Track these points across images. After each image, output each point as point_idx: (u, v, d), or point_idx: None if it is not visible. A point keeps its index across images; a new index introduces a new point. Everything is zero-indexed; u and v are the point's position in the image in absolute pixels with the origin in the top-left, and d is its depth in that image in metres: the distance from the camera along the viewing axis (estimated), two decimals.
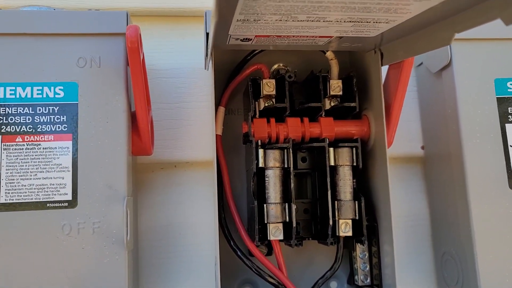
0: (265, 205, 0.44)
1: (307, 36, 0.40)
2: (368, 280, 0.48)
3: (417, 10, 0.31)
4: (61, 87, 0.41)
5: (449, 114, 0.48)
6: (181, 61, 0.53)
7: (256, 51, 0.50)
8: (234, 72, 0.51)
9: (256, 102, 0.47)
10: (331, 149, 0.46)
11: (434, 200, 0.53)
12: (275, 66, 0.51)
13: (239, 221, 0.46)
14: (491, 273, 0.44)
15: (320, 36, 0.40)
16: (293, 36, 0.39)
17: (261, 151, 0.45)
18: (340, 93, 0.47)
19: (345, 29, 0.37)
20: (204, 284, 0.50)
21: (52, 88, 0.41)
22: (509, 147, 0.46)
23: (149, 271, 0.49)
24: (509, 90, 0.47)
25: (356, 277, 0.48)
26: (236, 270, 0.50)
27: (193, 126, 0.52)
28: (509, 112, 0.46)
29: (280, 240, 0.45)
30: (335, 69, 0.48)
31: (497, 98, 0.47)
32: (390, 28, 0.37)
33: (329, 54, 0.48)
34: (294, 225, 0.43)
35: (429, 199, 0.54)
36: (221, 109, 0.49)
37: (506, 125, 0.46)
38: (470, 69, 0.47)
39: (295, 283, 0.45)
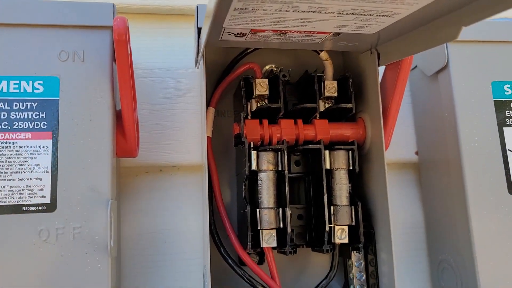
0: (257, 210, 0.42)
1: (304, 32, 0.38)
2: None
3: (426, 0, 0.30)
4: (41, 82, 0.38)
5: (446, 118, 0.47)
6: (168, 60, 0.51)
7: (248, 50, 0.48)
8: (225, 73, 0.49)
9: (248, 103, 0.45)
10: (327, 152, 0.44)
11: (429, 206, 0.52)
12: (267, 67, 0.49)
13: (230, 227, 0.44)
14: (492, 280, 0.42)
15: (318, 32, 0.38)
16: (290, 31, 0.37)
17: (254, 153, 0.43)
18: (335, 94, 0.46)
19: (345, 23, 0.35)
20: None
21: (31, 82, 0.38)
22: (508, 151, 0.45)
23: (132, 282, 0.46)
24: (506, 93, 0.46)
25: (351, 287, 0.46)
26: (226, 281, 0.47)
27: (180, 128, 0.50)
28: (507, 115, 0.45)
29: (273, 248, 0.43)
30: (329, 70, 0.47)
31: (494, 101, 0.46)
32: (390, 25, 0.35)
33: (323, 55, 0.47)
34: (289, 231, 0.41)
35: (424, 206, 0.53)
36: (211, 110, 0.47)
37: (504, 128, 0.45)
38: (467, 72, 0.46)
39: None
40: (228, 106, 0.50)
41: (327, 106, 0.46)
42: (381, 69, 0.46)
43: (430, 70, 0.49)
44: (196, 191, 0.49)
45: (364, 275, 0.46)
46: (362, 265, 0.46)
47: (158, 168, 0.49)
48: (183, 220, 0.48)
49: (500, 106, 0.46)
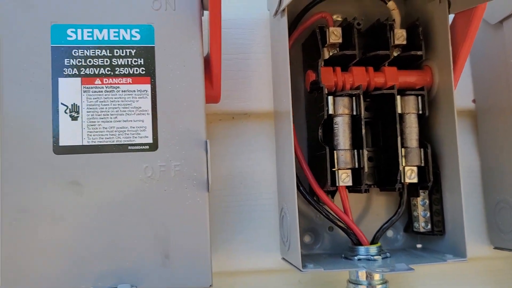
0: (334, 151, 0.45)
1: None
2: (429, 226, 0.49)
3: None
4: (137, 30, 0.41)
5: (510, 65, 0.48)
6: (240, 11, 0.53)
7: (316, 1, 0.50)
8: (294, 23, 0.50)
9: (321, 52, 0.47)
10: (398, 97, 0.46)
11: (487, 152, 0.54)
12: (334, 17, 0.50)
13: (307, 168, 0.47)
14: None
15: None
16: None
17: (330, 98, 0.45)
18: (404, 42, 0.48)
19: None
20: (265, 232, 0.51)
21: (129, 30, 0.41)
22: None
23: (211, 220, 0.50)
24: None
25: (416, 224, 0.49)
26: (300, 217, 0.50)
27: (251, 78, 0.52)
28: None
29: (346, 187, 0.46)
30: (397, 19, 0.49)
31: None
32: None
33: (391, 4, 0.49)
34: (366, 170, 0.44)
35: (480, 152, 0.55)
36: None
37: None
38: None
39: None
40: (295, 56, 0.52)
41: (395, 54, 0.48)
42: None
43: (494, 19, 0.50)
44: (268, 137, 0.52)
45: (429, 213, 0.49)
46: (427, 204, 0.49)
47: (231, 115, 0.52)
48: (257, 164, 0.51)
49: None
